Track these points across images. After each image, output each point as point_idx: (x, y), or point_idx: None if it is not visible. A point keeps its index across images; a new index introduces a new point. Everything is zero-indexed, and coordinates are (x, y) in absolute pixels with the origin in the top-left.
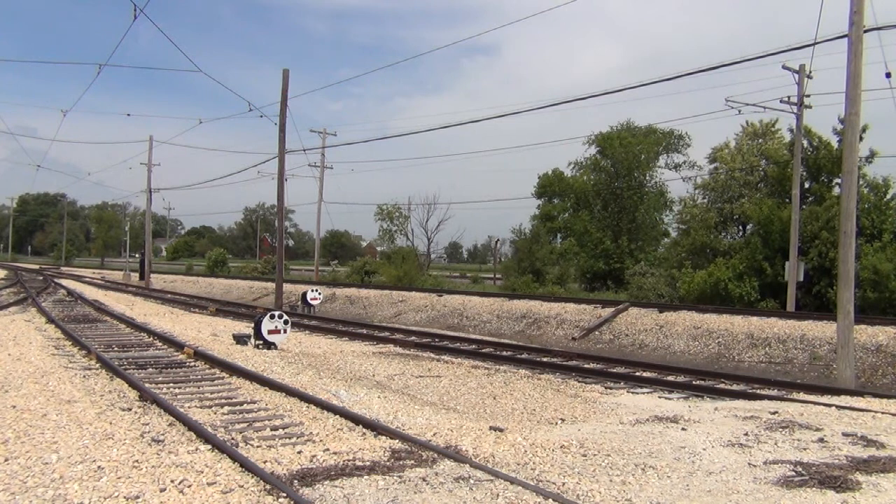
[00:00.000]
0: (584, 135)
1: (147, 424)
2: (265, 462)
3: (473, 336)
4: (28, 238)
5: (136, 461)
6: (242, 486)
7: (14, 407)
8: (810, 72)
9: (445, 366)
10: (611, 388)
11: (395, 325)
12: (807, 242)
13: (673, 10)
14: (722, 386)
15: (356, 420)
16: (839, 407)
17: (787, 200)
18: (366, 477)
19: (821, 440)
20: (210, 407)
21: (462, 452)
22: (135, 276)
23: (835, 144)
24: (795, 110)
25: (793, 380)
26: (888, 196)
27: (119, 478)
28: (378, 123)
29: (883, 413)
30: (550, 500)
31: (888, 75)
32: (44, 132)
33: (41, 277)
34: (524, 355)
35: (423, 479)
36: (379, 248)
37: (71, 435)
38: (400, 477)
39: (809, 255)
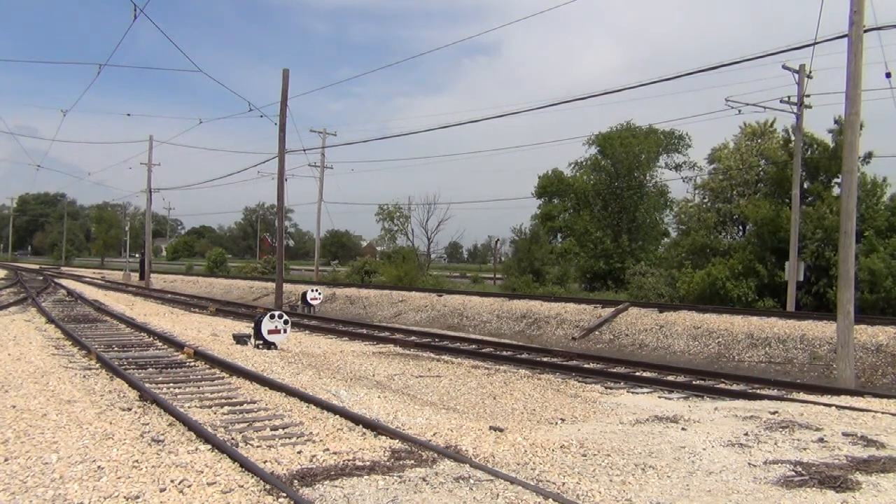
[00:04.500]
0: (584, 135)
1: (147, 424)
2: (265, 462)
3: (473, 336)
4: (28, 238)
5: (136, 461)
6: (242, 486)
7: (14, 407)
8: (810, 72)
9: (445, 366)
10: (611, 388)
11: (395, 325)
12: (800, 242)
13: (673, 10)
14: (722, 386)
15: (356, 420)
16: (839, 407)
17: (786, 201)
18: (366, 477)
19: (821, 440)
20: (210, 407)
21: (462, 452)
22: (135, 276)
23: (830, 144)
24: (795, 110)
25: (793, 380)
26: (884, 196)
27: (119, 478)
28: (378, 123)
29: (883, 413)
30: (550, 499)
31: (888, 75)
32: (44, 132)
33: (41, 277)
34: (524, 355)
35: (423, 479)
36: (379, 248)
37: (71, 435)
38: (400, 477)
39: (804, 255)
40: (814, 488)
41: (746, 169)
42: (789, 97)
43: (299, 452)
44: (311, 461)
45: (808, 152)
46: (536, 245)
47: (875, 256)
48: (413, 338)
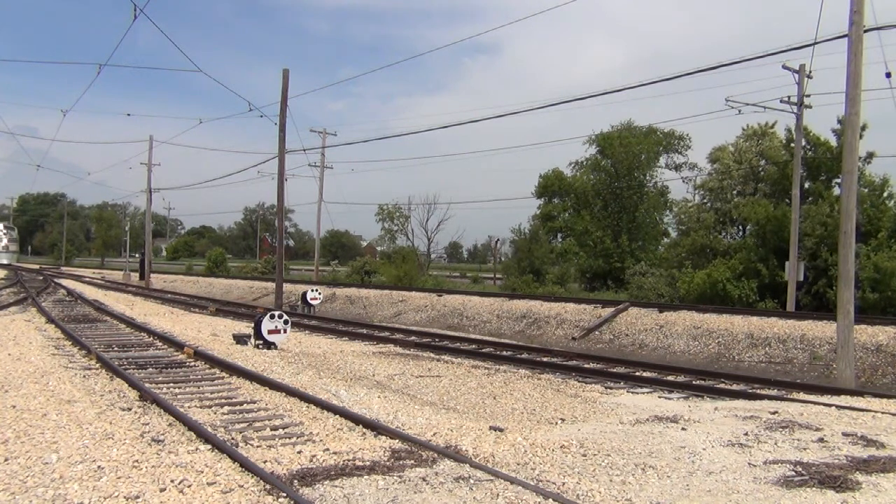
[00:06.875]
0: (585, 135)
1: (147, 424)
2: (265, 462)
3: (473, 336)
4: (28, 238)
5: (136, 461)
6: (242, 486)
7: (14, 407)
8: (810, 72)
9: (445, 366)
10: (611, 388)
11: (395, 325)
12: (801, 242)
13: (673, 9)
14: (722, 386)
15: (356, 420)
16: (839, 407)
17: (786, 201)
18: (366, 477)
19: (821, 440)
20: (210, 407)
21: (462, 452)
22: (135, 276)
23: (833, 144)
24: (795, 110)
25: (793, 380)
26: (885, 195)
27: (119, 478)
28: (379, 123)
29: (883, 413)
30: (550, 499)
31: (888, 75)
32: (44, 132)
33: (41, 277)
34: (524, 355)
35: (423, 479)
36: (379, 248)
37: (71, 435)
38: (400, 477)
39: (803, 255)
40: (814, 488)
41: (744, 168)
42: (789, 97)
43: (299, 452)
44: (311, 461)
45: (811, 152)
46: (536, 245)
47: (883, 255)
48: (413, 338)
